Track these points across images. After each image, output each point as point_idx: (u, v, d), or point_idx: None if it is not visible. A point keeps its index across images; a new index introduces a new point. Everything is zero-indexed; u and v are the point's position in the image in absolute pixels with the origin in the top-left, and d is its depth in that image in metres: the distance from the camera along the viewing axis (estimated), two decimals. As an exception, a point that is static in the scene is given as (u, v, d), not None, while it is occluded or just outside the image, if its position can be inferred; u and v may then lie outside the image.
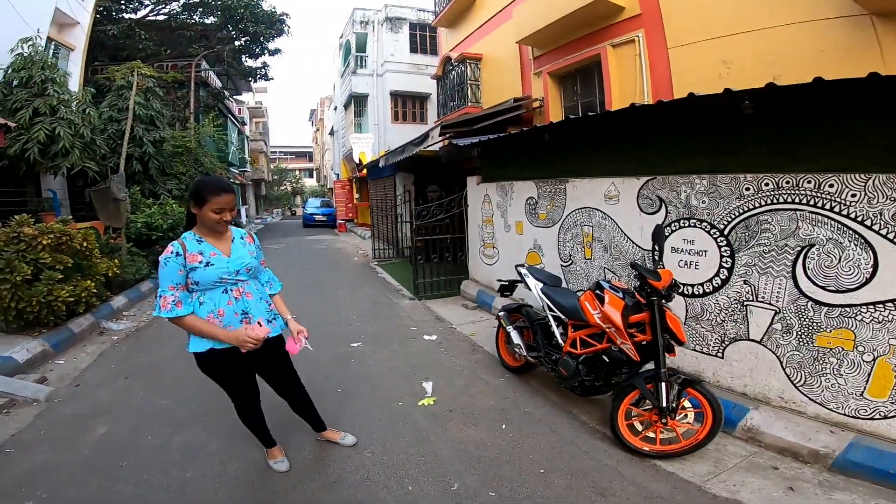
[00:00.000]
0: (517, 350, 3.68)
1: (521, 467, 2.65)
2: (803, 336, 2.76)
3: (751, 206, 2.96)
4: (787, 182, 2.77)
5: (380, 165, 10.64)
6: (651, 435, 2.76)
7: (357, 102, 18.71)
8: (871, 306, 2.48)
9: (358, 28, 18.38)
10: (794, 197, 2.75)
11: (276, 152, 50.04)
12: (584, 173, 4.35)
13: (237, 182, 22.25)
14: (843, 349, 2.60)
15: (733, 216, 3.06)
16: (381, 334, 5.14)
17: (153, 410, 3.40)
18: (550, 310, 3.47)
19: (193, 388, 3.66)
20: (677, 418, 2.68)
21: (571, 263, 4.60)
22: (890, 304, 2.41)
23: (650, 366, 2.77)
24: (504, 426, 3.11)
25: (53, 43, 9.16)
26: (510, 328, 3.78)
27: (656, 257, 2.93)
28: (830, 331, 2.64)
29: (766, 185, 2.87)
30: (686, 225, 3.36)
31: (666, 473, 2.57)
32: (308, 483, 2.50)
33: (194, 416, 3.27)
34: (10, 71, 7.22)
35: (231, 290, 2.23)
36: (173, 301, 2.08)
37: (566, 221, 4.61)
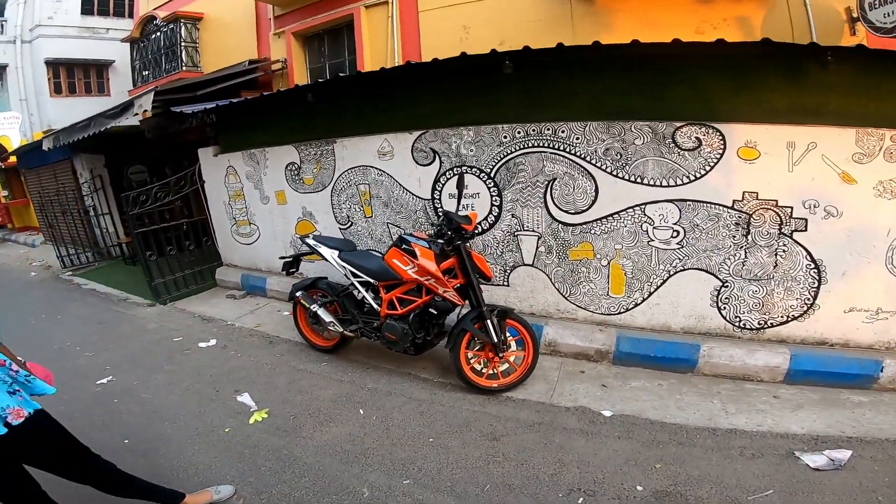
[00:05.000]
0: (331, 328, 3.43)
1: (411, 445, 2.56)
2: (561, 253, 3.49)
3: (509, 151, 3.45)
4: (534, 130, 3.33)
5: (45, 148, 7.79)
6: (492, 371, 3.03)
7: None
8: (599, 221, 3.32)
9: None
10: (539, 142, 3.34)
11: None
12: (353, 132, 4.17)
13: None
14: (588, 259, 3.42)
15: (496, 160, 3.51)
16: (136, 357, 3.92)
17: None
18: (355, 276, 3.33)
19: None
20: (507, 350, 3.00)
21: (351, 225, 4.48)
22: (610, 218, 3.28)
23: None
24: (362, 411, 2.91)
25: None
26: (316, 307, 3.46)
27: (459, 203, 3.11)
28: (577, 245, 3.43)
29: (519, 133, 3.38)
30: (458, 172, 3.67)
31: (521, 402, 2.91)
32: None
33: None
34: None
35: None
36: None
37: (339, 183, 4.39)
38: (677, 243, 3.19)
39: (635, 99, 3.08)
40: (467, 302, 3.02)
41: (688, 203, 3.11)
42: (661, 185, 3.12)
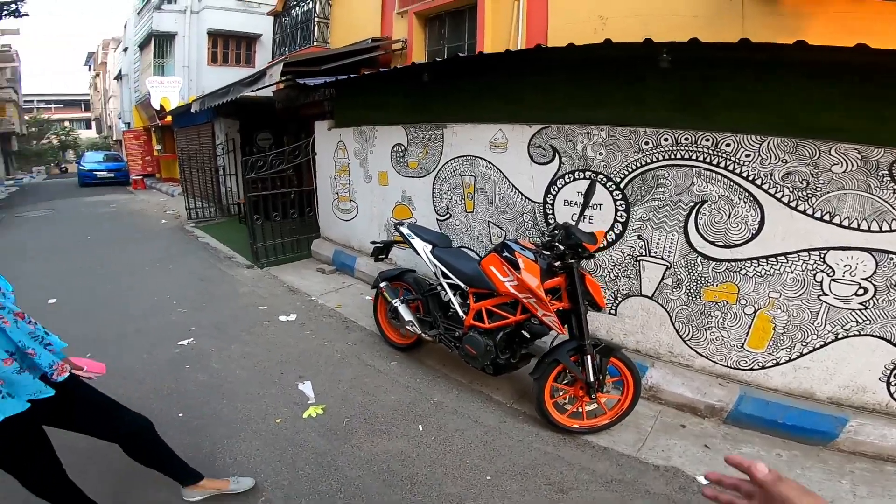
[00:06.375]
0: (409, 328, 3.15)
1: (465, 479, 2.22)
2: (692, 290, 2.84)
3: (649, 161, 2.85)
4: (686, 139, 2.70)
5: (192, 111, 8.70)
6: (577, 410, 2.59)
7: (159, 42, 15.39)
8: (755, 261, 2.61)
9: (165, -43, 14.46)
10: (691, 153, 2.70)
11: (32, 101, 38.41)
12: (465, 118, 3.83)
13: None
14: (727, 303, 2.73)
15: (631, 170, 2.94)
16: (221, 322, 4.00)
17: None
18: (445, 276, 3.00)
19: None
20: (602, 391, 2.53)
21: (449, 217, 4.17)
22: (773, 259, 2.56)
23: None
24: (421, 427, 2.60)
25: None
26: (397, 302, 3.21)
27: (582, 215, 2.63)
28: (717, 285, 2.75)
29: (666, 140, 2.77)
30: (581, 177, 3.17)
31: (602, 450, 2.44)
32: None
33: None
34: None
35: None
36: None
37: (443, 171, 4.10)
38: (860, 303, 2.40)
39: (844, 116, 2.32)
40: (566, 328, 2.54)
41: (891, 256, 2.30)
42: (857, 228, 2.34)
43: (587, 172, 3.11)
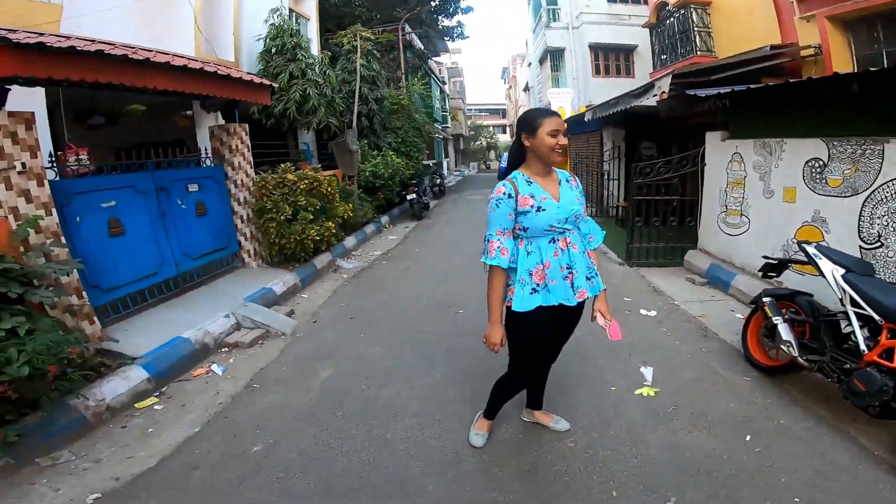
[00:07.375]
0: (785, 348, 2.97)
1: (767, 491, 2.12)
2: None
3: None
4: None
5: (586, 119, 10.00)
6: None
7: (552, 57, 17.95)
8: None
9: (546, -21, 17.14)
10: None
11: (471, 109, 52.31)
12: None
13: (440, 137, 23.50)
14: None
15: None
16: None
17: (367, 358, 3.62)
18: (855, 305, 2.66)
19: (400, 339, 3.98)
20: None
21: (880, 246, 3.45)
22: None
23: None
24: (748, 437, 2.53)
25: (294, 14, 10.24)
26: (778, 320, 3.05)
27: None
28: None
29: None
30: None
31: None
32: (501, 466, 2.37)
33: (399, 370, 3.41)
34: (268, 40, 8.28)
35: (558, 241, 2.04)
36: (498, 248, 1.97)
37: (880, 191, 3.43)
38: None
39: None
40: None
41: None
42: None
43: None
